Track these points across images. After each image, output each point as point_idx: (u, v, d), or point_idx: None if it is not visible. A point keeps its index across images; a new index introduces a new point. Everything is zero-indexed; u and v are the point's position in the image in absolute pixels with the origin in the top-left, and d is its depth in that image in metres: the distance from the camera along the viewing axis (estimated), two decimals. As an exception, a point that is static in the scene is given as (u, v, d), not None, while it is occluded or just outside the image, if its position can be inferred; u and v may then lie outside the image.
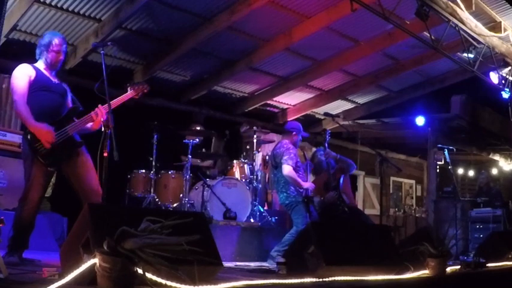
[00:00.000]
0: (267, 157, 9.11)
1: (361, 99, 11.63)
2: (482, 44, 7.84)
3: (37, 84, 4.32)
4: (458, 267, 5.36)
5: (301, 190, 6.19)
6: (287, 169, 6.11)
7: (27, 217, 4.22)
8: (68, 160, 4.33)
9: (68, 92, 4.56)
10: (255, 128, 8.41)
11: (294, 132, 6.44)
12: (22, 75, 4.30)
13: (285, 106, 11.35)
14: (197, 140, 7.36)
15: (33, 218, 4.29)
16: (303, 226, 5.73)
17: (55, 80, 4.49)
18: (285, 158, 6.16)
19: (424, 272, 4.57)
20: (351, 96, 11.30)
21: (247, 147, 8.68)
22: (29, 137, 4.18)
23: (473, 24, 7.48)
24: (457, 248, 7.95)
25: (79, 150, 4.38)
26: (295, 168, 6.19)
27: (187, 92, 9.79)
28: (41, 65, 4.44)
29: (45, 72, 4.43)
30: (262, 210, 7.75)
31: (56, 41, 4.40)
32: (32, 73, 4.33)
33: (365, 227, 5.37)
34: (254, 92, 10.44)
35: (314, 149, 7.52)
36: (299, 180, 6.16)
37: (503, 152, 14.04)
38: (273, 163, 6.42)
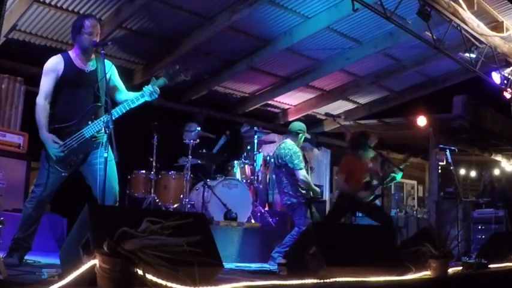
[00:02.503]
0: (268, 157, 9.08)
1: (363, 100, 11.60)
2: (484, 44, 7.81)
3: (65, 80, 4.16)
4: (460, 268, 5.33)
5: (303, 191, 6.17)
6: (303, 173, 6.12)
7: (34, 212, 4.17)
8: (84, 161, 4.23)
9: (103, 77, 4.21)
10: (255, 128, 8.40)
11: (300, 134, 6.41)
12: (48, 72, 4.15)
13: (286, 106, 11.33)
14: (197, 140, 7.34)
15: (40, 215, 4.25)
16: (304, 227, 5.70)
17: (88, 68, 4.26)
18: (295, 161, 6.11)
19: (425, 273, 4.55)
20: (352, 97, 11.28)
21: (248, 147, 8.66)
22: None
23: (475, 24, 7.46)
24: (458, 249, 7.92)
25: (96, 151, 4.20)
26: None
27: (187, 92, 9.77)
28: (74, 51, 4.26)
29: (78, 61, 4.23)
30: (263, 211, 7.73)
31: (87, 22, 4.16)
32: (60, 67, 4.15)
33: (366, 228, 5.34)
34: (255, 92, 10.42)
35: (316, 150, 7.52)
36: (312, 185, 6.25)
37: (505, 152, 14.00)
38: (277, 163, 6.34)
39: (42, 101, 4.13)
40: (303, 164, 6.15)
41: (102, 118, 4.16)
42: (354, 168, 6.54)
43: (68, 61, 4.22)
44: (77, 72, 4.22)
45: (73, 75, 4.20)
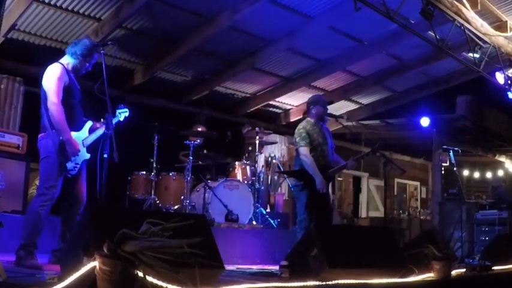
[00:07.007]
0: (270, 158, 9.05)
1: (365, 100, 11.58)
2: (488, 43, 7.77)
3: (68, 91, 4.29)
4: (464, 270, 5.30)
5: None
6: (302, 151, 5.48)
7: (46, 215, 4.19)
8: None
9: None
10: (257, 129, 8.37)
11: (311, 106, 5.78)
12: (59, 80, 4.24)
13: (288, 107, 11.30)
14: (198, 141, 7.31)
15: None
16: (301, 217, 5.48)
17: (77, 85, 4.47)
18: (297, 139, 5.55)
19: (429, 275, 4.54)
20: (354, 97, 11.26)
21: (249, 148, 8.63)
22: (58, 142, 4.20)
23: (478, 24, 7.42)
24: (462, 251, 7.87)
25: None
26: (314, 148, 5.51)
27: (188, 93, 9.74)
28: (69, 65, 4.40)
29: (72, 76, 4.39)
30: (264, 212, 7.71)
31: (96, 56, 4.42)
32: (66, 78, 4.29)
33: (369, 230, 5.31)
34: (256, 92, 10.39)
35: None
36: (313, 167, 5.40)
37: (509, 153, 13.97)
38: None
39: (60, 105, 4.19)
40: (303, 142, 5.47)
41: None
42: None
43: (68, 74, 4.37)
44: (74, 86, 4.39)
45: (72, 88, 4.39)
